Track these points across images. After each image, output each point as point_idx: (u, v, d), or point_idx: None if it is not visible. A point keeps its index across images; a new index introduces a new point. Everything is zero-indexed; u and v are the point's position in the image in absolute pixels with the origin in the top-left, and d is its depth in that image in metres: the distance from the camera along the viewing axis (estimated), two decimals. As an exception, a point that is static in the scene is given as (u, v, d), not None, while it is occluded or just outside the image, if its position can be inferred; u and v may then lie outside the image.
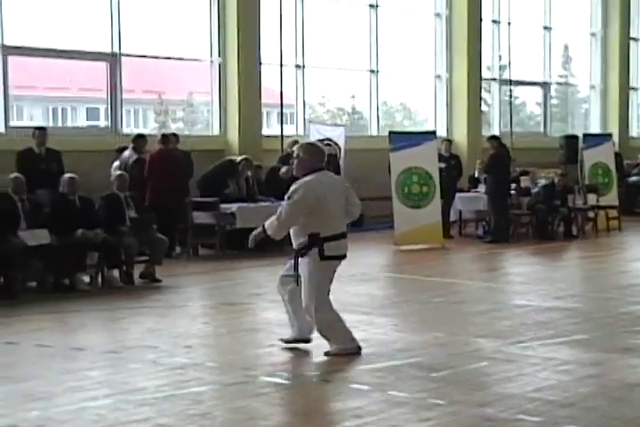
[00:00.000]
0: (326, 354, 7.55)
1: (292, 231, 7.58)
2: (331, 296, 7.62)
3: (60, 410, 6.10)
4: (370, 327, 8.65)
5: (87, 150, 14.84)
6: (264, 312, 9.69)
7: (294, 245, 7.57)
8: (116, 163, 14.36)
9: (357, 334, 7.76)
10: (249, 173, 15.08)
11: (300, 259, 7.47)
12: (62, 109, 17.50)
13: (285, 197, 7.52)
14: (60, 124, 17.01)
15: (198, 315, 9.79)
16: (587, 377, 6.86)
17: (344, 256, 7.60)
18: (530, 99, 24.26)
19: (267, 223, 7.54)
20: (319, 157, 7.62)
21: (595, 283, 11.99)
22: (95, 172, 13.56)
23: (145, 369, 7.23)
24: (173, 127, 17.83)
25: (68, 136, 14.97)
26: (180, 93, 18.29)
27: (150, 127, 18.04)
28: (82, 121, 17.63)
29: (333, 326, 7.58)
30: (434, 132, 16.70)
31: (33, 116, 17.00)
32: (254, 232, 7.60)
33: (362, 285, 11.38)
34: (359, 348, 7.59)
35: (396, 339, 8.24)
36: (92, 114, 17.64)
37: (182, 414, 6.00)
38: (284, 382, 6.86)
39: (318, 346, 7.62)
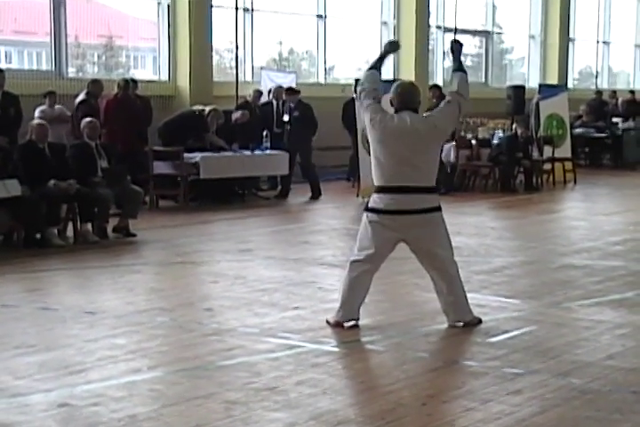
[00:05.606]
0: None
1: None
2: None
3: (107, 384, 5.49)
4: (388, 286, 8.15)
5: (32, 94, 13.92)
6: (267, 270, 9.07)
7: None
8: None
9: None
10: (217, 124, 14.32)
11: None
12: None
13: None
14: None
15: (199, 273, 9.08)
16: (653, 342, 6.52)
17: (395, 212, 6.57)
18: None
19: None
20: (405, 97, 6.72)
21: (595, 238, 11.10)
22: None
23: (174, 336, 6.65)
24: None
25: (12, 79, 13.97)
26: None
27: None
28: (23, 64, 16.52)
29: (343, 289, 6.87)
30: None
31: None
32: None
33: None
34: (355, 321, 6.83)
35: (426, 300, 7.69)
36: (33, 57, 16.58)
37: (247, 388, 5.44)
38: (333, 349, 6.35)
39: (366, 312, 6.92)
